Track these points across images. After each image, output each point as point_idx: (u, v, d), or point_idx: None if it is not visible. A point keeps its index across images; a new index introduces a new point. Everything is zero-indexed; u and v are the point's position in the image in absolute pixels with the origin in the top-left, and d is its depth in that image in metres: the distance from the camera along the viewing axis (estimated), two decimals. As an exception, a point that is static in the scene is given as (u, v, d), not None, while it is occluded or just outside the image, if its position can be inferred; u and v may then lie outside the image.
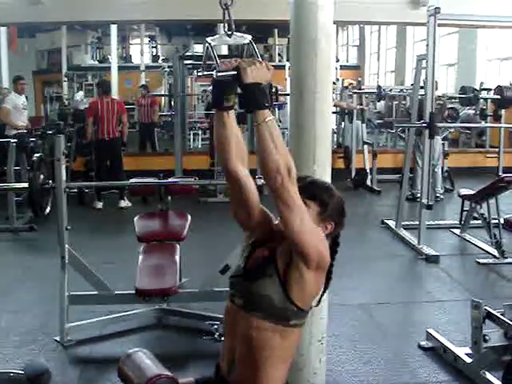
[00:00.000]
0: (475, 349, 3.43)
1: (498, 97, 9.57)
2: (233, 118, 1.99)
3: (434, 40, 6.02)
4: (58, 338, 4.10)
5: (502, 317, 3.35)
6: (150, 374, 2.09)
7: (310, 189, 2.02)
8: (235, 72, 1.83)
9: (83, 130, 9.04)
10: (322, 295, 2.08)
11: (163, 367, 2.18)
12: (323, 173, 3.03)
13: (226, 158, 2.00)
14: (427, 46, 6.04)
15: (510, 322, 3.32)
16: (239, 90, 1.87)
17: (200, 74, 1.97)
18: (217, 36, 2.05)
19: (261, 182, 4.21)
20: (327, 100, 3.01)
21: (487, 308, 3.38)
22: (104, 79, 10.96)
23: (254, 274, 1.99)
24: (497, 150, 10.99)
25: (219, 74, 1.86)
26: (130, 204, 8.61)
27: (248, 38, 2.04)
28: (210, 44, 1.99)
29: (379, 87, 11.64)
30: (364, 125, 10.72)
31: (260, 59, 1.90)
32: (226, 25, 2.02)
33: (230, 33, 2.02)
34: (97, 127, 8.51)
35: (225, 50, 12.76)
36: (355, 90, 11.17)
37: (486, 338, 3.35)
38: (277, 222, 2.03)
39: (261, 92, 1.80)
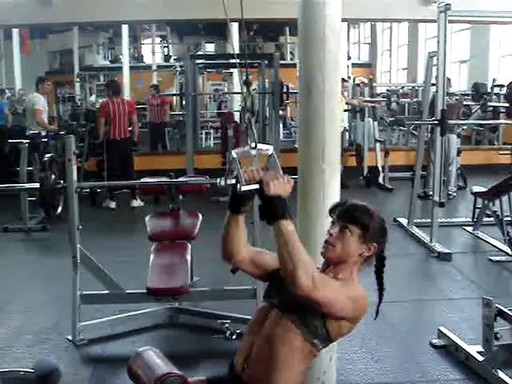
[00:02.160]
0: (487, 347, 3.42)
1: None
2: (243, 219, 2.14)
3: (445, 37, 5.99)
4: (70, 337, 4.13)
5: (513, 315, 3.33)
6: (160, 372, 2.10)
7: (350, 213, 2.11)
8: (258, 186, 1.93)
9: (95, 131, 9.08)
10: (378, 307, 2.28)
11: (173, 366, 2.19)
12: (332, 171, 3.02)
13: (233, 253, 2.18)
14: (438, 42, 6.01)
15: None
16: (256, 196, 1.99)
17: (223, 183, 2.07)
18: (241, 149, 2.10)
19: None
20: (336, 98, 3.00)
21: (499, 306, 3.35)
22: (113, 80, 10.99)
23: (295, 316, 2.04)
24: (509, 146, 10.92)
25: (243, 188, 1.96)
26: (142, 203, 8.65)
27: (271, 149, 2.10)
28: (234, 157, 2.04)
29: (388, 96, 11.56)
30: (376, 122, 10.68)
31: (281, 172, 1.99)
32: (251, 138, 2.08)
33: (254, 146, 2.07)
34: (108, 127, 8.56)
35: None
36: (367, 98, 11.13)
37: (498, 335, 3.33)
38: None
39: (281, 204, 1.90)
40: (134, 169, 8.91)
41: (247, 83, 2.15)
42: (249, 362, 2.04)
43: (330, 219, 2.17)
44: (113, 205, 8.66)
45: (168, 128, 15.11)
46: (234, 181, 2.02)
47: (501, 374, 3.42)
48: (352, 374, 3.64)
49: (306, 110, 2.99)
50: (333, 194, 3.05)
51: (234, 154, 2.05)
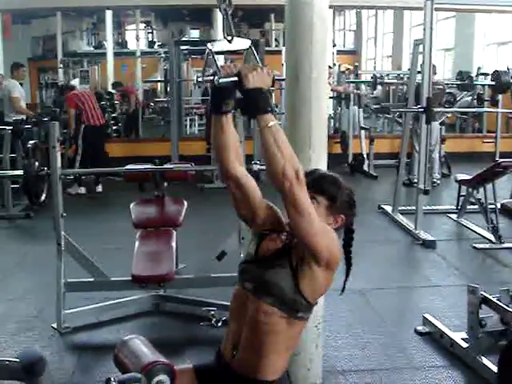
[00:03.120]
0: (471, 334, 3.44)
1: (493, 83, 9.57)
2: (231, 121, 2.00)
3: (431, 24, 5.98)
4: (54, 325, 4.10)
5: (498, 302, 3.35)
6: (146, 360, 2.08)
7: (319, 183, 2.02)
8: (236, 78, 1.82)
9: (67, 120, 9.02)
10: (345, 282, 2.16)
11: (159, 354, 2.17)
12: (319, 158, 3.01)
13: (225, 161, 2.02)
14: (424, 30, 6.01)
15: (506, 307, 3.32)
16: (239, 95, 1.86)
17: (200, 79, 1.96)
18: (217, 41, 2.03)
19: (257, 167, 4.22)
20: (323, 84, 2.99)
21: (483, 293, 3.37)
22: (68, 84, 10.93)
23: (267, 262, 1.99)
24: (494, 134, 10.97)
25: (221, 80, 1.85)
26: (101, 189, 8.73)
27: (248, 42, 2.02)
28: (210, 50, 1.97)
29: (374, 76, 11.57)
30: (361, 110, 10.68)
31: (261, 64, 1.89)
32: (227, 30, 1.99)
33: (230, 38, 1.99)
34: (86, 114, 8.52)
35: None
36: (352, 79, 11.12)
37: (483, 323, 3.35)
38: (285, 219, 2.02)
39: (262, 97, 1.80)
40: (117, 156, 8.91)
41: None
42: (237, 350, 2.02)
43: None
44: (83, 190, 8.62)
45: (152, 115, 15.06)
46: (211, 77, 1.89)
47: (485, 361, 3.45)
48: (338, 360, 3.66)
49: (293, 96, 2.97)
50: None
51: (209, 46, 1.97)
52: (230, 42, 1.99)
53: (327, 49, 2.97)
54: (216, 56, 1.97)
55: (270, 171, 1.78)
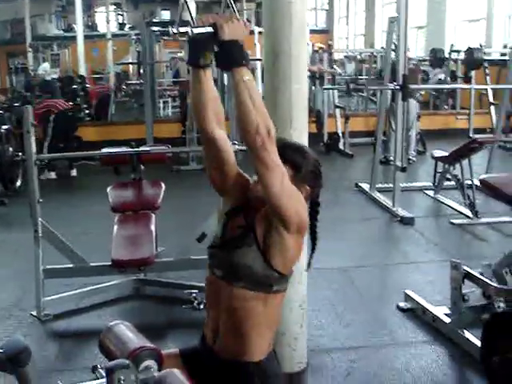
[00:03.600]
0: (454, 309, 3.46)
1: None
2: (209, 77, 1.91)
3: (406, 1, 5.95)
4: (34, 313, 4.04)
5: (481, 276, 3.37)
6: (132, 346, 2.04)
7: (283, 152, 1.89)
8: (211, 29, 1.75)
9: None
10: (310, 257, 2.08)
11: (146, 339, 2.14)
12: (300, 136, 2.97)
13: (203, 118, 1.93)
14: (399, 7, 5.99)
15: (488, 281, 3.34)
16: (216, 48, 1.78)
17: (174, 30, 1.87)
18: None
19: (235, 147, 4.17)
20: (303, 62, 2.94)
21: (466, 268, 3.39)
22: None
23: (232, 243, 1.93)
24: (467, 111, 11.04)
25: (195, 31, 1.77)
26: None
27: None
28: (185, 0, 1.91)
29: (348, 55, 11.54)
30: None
31: (237, 15, 1.83)
32: None
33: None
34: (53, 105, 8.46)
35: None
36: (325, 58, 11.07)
37: (466, 297, 3.37)
38: (255, 184, 1.96)
39: (238, 49, 1.74)
40: (90, 140, 8.82)
41: None
42: (218, 335, 1.99)
43: None
44: (53, 175, 8.50)
45: (124, 98, 14.88)
46: (185, 28, 1.80)
47: (467, 335, 3.48)
48: (322, 339, 3.66)
49: (273, 75, 2.92)
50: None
51: None
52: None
53: (306, 26, 2.92)
54: (191, 8, 1.90)
55: (243, 127, 1.72)
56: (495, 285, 3.31)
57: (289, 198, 1.81)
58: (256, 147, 1.72)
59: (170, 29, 1.80)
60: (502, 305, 3.23)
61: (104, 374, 1.96)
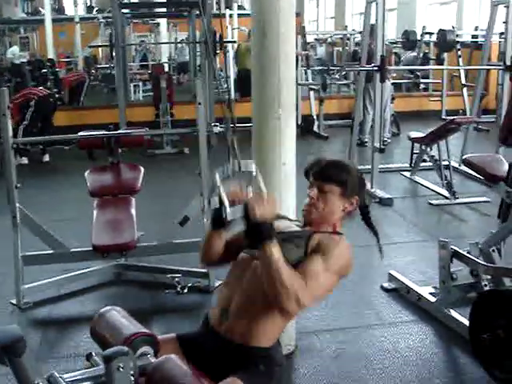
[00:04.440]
0: (443, 288, 3.46)
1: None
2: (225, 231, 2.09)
3: (384, -18, 5.93)
4: (14, 301, 3.93)
5: (468, 255, 3.38)
6: (127, 332, 1.99)
7: (326, 172, 2.05)
8: (244, 212, 1.85)
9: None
10: (380, 246, 2.31)
11: (140, 324, 2.08)
12: (289, 116, 2.94)
13: (214, 258, 2.12)
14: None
15: (476, 259, 3.35)
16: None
17: (207, 207, 2.00)
18: (223, 171, 2.02)
19: (217, 129, 4.10)
20: (291, 41, 2.89)
21: (454, 247, 3.39)
22: None
23: (284, 235, 2.01)
24: (439, 93, 11.11)
25: (229, 217, 1.91)
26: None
27: (253, 167, 2.03)
28: (218, 184, 1.96)
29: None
30: (309, 71, 10.62)
31: (265, 191, 1.92)
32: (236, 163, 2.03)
33: (238, 169, 2.02)
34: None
35: None
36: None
37: (454, 276, 3.38)
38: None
39: (267, 228, 1.82)
40: (62, 125, 8.65)
41: (230, 105, 2.06)
42: (228, 316, 1.95)
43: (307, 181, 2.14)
44: (25, 161, 8.33)
45: (94, 83, 14.66)
46: (217, 202, 1.96)
47: (453, 313, 3.49)
48: (309, 321, 3.62)
49: (261, 54, 2.86)
50: (289, 140, 2.98)
51: (217, 177, 1.97)
52: (237, 170, 2.02)
53: (294, 4, 2.86)
54: (223, 188, 1.97)
55: (274, 295, 1.82)
56: (483, 263, 3.32)
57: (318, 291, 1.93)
58: (286, 310, 1.85)
59: (203, 203, 1.97)
60: (489, 283, 3.25)
61: (100, 362, 1.91)
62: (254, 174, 2.03)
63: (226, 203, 1.91)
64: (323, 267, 1.90)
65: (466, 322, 3.23)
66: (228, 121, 2.04)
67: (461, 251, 3.37)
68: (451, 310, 3.51)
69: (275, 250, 1.81)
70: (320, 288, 1.91)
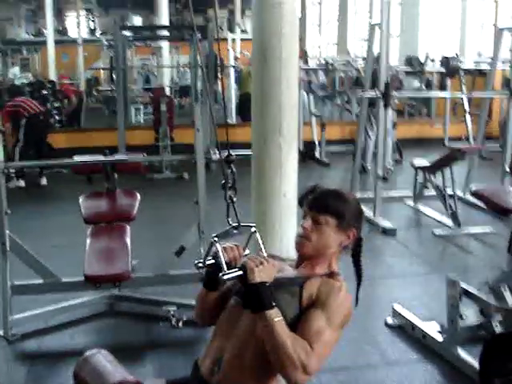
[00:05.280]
0: (452, 327, 3.28)
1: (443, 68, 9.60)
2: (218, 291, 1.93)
3: (389, 8, 5.86)
4: (1, 333, 3.75)
5: (479, 294, 3.21)
6: (112, 379, 1.84)
7: (322, 202, 1.88)
8: (241, 272, 1.73)
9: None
10: (357, 293, 2.00)
11: (125, 370, 1.93)
12: (290, 146, 2.81)
13: (210, 319, 1.95)
14: (381, 13, 5.88)
15: (487, 299, 3.18)
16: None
17: (201, 270, 1.88)
18: (222, 232, 1.90)
19: (216, 157, 3.97)
20: (294, 66, 2.77)
21: (464, 285, 3.23)
22: None
23: (276, 282, 1.79)
24: (443, 120, 11.00)
25: (225, 277, 1.75)
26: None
27: (253, 227, 1.92)
28: (215, 244, 1.83)
29: (326, 63, 11.48)
30: (311, 96, 10.54)
31: (265, 252, 1.81)
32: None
33: (236, 225, 1.89)
34: (22, 107, 8.15)
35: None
36: (303, 67, 10.96)
37: (463, 316, 3.21)
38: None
39: (266, 292, 1.69)
40: (61, 147, 8.54)
41: (229, 160, 1.92)
42: (221, 366, 1.79)
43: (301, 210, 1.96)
44: (22, 183, 8.20)
45: (96, 105, 14.62)
46: (212, 261, 1.83)
47: (462, 354, 3.32)
48: (309, 359, 3.45)
49: (262, 79, 2.74)
50: (290, 171, 2.84)
51: (214, 238, 1.85)
52: (235, 228, 1.89)
53: (297, 29, 2.74)
54: (221, 248, 1.83)
55: (278, 365, 1.70)
56: (494, 304, 3.15)
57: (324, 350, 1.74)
58: (294, 380, 1.67)
59: (196, 263, 1.85)
60: (500, 323, 3.08)
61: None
62: (253, 230, 1.91)
63: (223, 263, 1.78)
64: (326, 324, 1.74)
65: (475, 364, 3.07)
66: (226, 177, 1.88)
67: (471, 290, 3.21)
68: (459, 350, 3.34)
69: (276, 318, 1.68)
70: (326, 348, 1.73)
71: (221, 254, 1.79)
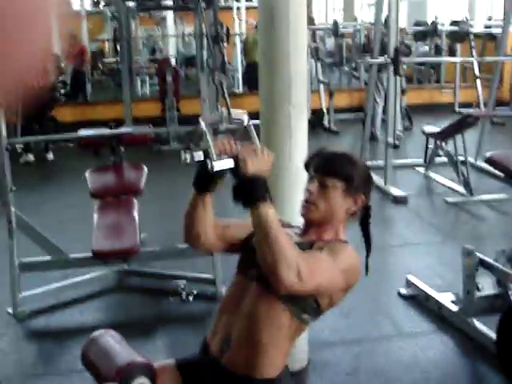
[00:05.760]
0: (468, 298, 3.21)
1: (456, 28, 9.40)
2: (211, 199, 1.75)
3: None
4: (10, 310, 3.71)
5: (496, 264, 3.13)
6: (121, 361, 1.77)
7: (329, 164, 1.76)
8: (233, 163, 1.60)
9: None
10: (367, 261, 1.92)
11: (135, 352, 1.86)
12: (300, 114, 2.71)
13: (199, 237, 1.78)
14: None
15: (505, 269, 3.10)
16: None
17: (188, 161, 1.67)
18: (210, 117, 1.77)
19: (224, 127, 3.87)
20: (302, 30, 2.66)
21: (480, 255, 3.14)
22: None
23: None
24: (452, 85, 10.82)
25: (216, 168, 1.60)
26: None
27: (245, 118, 1.75)
28: (203, 126, 1.68)
29: (335, 23, 11.26)
30: (319, 63, 10.37)
31: (259, 145, 1.65)
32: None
33: (227, 114, 1.74)
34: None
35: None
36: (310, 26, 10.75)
37: (479, 286, 3.13)
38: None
39: (261, 184, 1.57)
40: (66, 121, 8.43)
41: (217, 37, 1.78)
42: (230, 344, 1.72)
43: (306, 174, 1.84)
44: (31, 158, 8.08)
45: (101, 77, 14.46)
46: (202, 155, 1.64)
47: (478, 324, 3.25)
48: (323, 332, 3.39)
49: (269, 46, 2.63)
50: (301, 139, 2.75)
51: (202, 123, 1.69)
52: (226, 117, 1.74)
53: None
54: (209, 135, 1.66)
55: (263, 263, 1.57)
56: (512, 273, 3.08)
57: (328, 283, 1.66)
58: (292, 292, 1.58)
59: (183, 157, 1.62)
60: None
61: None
62: (246, 123, 1.75)
63: (213, 153, 1.62)
64: (328, 257, 1.65)
65: (492, 334, 3.01)
66: (215, 57, 1.74)
67: (487, 260, 3.13)
68: (475, 321, 3.27)
69: (271, 212, 1.55)
70: (323, 274, 1.62)
71: (210, 143, 1.63)
